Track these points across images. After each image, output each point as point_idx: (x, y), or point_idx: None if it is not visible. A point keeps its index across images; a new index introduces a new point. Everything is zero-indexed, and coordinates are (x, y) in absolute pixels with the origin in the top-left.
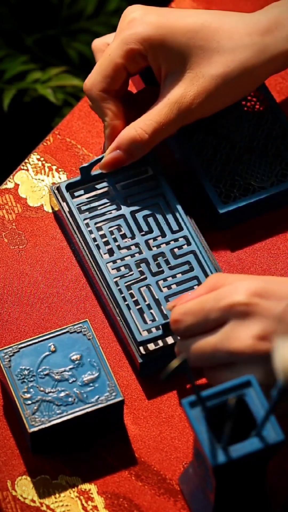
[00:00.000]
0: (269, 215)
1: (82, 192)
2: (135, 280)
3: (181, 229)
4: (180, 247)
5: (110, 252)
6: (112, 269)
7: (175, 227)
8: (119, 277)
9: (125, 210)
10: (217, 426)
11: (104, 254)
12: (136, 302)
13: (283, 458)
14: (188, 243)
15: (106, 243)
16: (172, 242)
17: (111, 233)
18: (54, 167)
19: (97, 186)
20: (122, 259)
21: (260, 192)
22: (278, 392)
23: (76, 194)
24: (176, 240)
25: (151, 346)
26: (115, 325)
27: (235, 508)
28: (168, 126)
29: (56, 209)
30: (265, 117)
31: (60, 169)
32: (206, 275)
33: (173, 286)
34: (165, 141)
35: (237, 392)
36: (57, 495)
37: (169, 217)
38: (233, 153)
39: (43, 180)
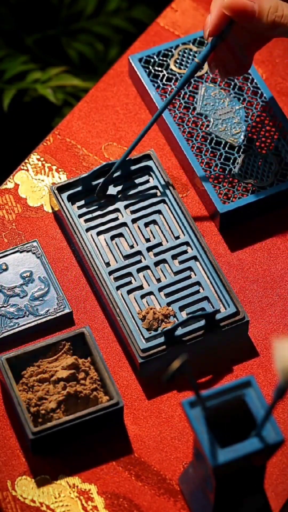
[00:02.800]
0: (269, 215)
1: (83, 202)
2: (137, 288)
3: (182, 235)
4: (181, 253)
5: (112, 261)
6: (115, 278)
7: (176, 233)
8: (121, 286)
9: (127, 218)
10: (217, 426)
11: (106, 263)
12: (139, 310)
13: (283, 458)
14: (190, 249)
15: (108, 252)
16: (173, 249)
17: (113, 241)
18: (54, 167)
19: (99, 195)
20: (124, 267)
21: (260, 192)
22: (278, 392)
23: (78, 204)
24: (177, 246)
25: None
26: (115, 325)
27: (234, 508)
28: None
29: (56, 209)
30: (265, 117)
31: (60, 169)
32: (208, 280)
33: (175, 293)
34: (166, 141)
35: (237, 392)
36: (57, 495)
37: (170, 223)
38: (233, 153)
39: (43, 180)
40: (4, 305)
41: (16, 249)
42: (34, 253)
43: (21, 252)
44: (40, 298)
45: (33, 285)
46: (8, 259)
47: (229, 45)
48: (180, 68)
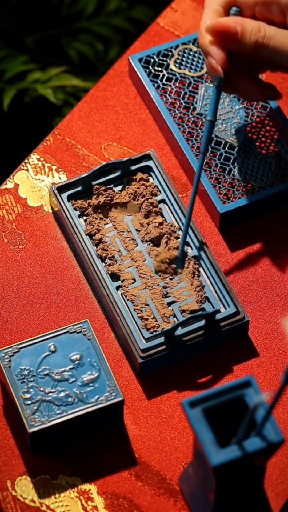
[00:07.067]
0: (269, 215)
1: (83, 201)
2: (138, 288)
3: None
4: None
5: (112, 261)
6: (115, 278)
7: (176, 233)
8: (121, 286)
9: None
10: (217, 426)
11: (106, 263)
12: (139, 310)
13: (283, 458)
14: (190, 249)
15: (108, 252)
16: (174, 249)
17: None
18: (54, 167)
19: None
20: (124, 267)
21: (260, 192)
22: (287, 376)
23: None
24: (178, 247)
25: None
26: (115, 325)
27: (234, 508)
28: None
29: (56, 209)
30: (265, 117)
31: (60, 169)
32: (208, 280)
33: (175, 293)
34: (166, 141)
35: (237, 392)
36: (57, 495)
37: (171, 223)
38: (233, 153)
39: (43, 180)
40: (52, 391)
41: (66, 330)
42: (84, 335)
43: (70, 333)
44: (90, 384)
45: (82, 370)
46: (57, 340)
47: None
48: (180, 68)
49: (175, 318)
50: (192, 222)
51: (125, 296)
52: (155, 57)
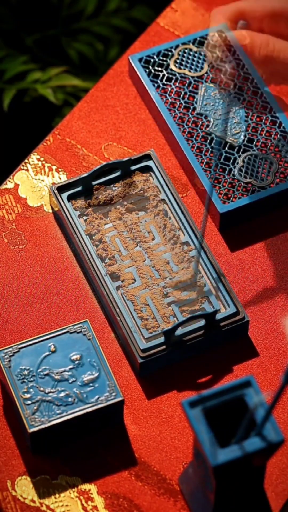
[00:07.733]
0: (269, 215)
1: (83, 201)
2: (138, 288)
3: (182, 235)
4: (182, 254)
5: (112, 261)
6: (115, 278)
7: (176, 233)
8: (121, 286)
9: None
10: (217, 426)
11: (106, 263)
12: (139, 310)
13: (283, 458)
14: (190, 249)
15: (108, 252)
16: (173, 249)
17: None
18: (54, 167)
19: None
20: (124, 267)
21: (260, 192)
22: (286, 376)
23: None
24: (177, 246)
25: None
26: (115, 325)
27: (234, 508)
28: None
29: (56, 209)
30: (265, 117)
31: (60, 169)
32: (208, 280)
33: (175, 293)
34: (166, 141)
35: (237, 392)
36: (57, 495)
37: (171, 223)
38: (233, 153)
39: (43, 180)
40: (52, 391)
41: (66, 330)
42: (84, 335)
43: (70, 333)
44: (90, 384)
45: (82, 370)
46: (57, 340)
47: None
48: (180, 68)
49: (175, 318)
50: (192, 222)
51: (125, 296)
52: (155, 57)
